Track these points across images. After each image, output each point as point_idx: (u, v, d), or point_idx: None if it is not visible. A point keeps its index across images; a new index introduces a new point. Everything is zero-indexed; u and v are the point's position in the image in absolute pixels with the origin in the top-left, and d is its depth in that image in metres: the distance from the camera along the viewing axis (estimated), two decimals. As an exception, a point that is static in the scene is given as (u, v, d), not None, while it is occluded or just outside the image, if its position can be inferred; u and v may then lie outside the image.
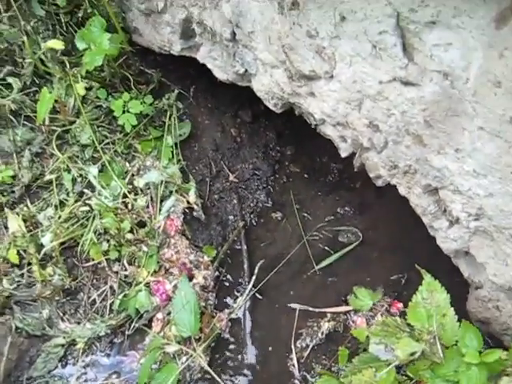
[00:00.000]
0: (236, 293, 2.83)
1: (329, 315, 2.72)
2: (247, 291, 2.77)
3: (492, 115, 1.69)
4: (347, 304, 2.75)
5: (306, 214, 3.11)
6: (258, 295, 2.81)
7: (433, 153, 1.96)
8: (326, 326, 2.67)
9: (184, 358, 2.54)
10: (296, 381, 2.55)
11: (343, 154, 2.41)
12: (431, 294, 1.84)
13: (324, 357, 2.61)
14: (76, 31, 2.87)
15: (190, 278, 2.69)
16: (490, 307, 2.24)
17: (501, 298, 2.17)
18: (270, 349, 2.68)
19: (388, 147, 2.12)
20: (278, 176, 3.26)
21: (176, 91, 3.18)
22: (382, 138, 2.10)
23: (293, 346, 2.64)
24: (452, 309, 1.84)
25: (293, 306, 2.78)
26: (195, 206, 2.89)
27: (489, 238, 2.03)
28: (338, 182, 3.24)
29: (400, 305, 2.70)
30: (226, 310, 2.74)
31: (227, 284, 2.87)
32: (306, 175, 3.27)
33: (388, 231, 3.00)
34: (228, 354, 2.66)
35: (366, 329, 2.26)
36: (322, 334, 2.66)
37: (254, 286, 2.80)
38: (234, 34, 2.42)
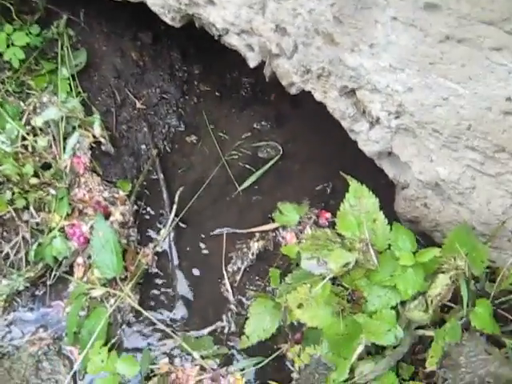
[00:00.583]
0: (159, 225, 2.70)
1: (257, 235, 2.64)
2: (169, 222, 2.64)
3: (404, 3, 1.57)
4: (275, 221, 2.67)
5: (221, 134, 2.96)
6: (181, 224, 2.69)
7: (346, 51, 1.83)
8: (255, 246, 2.59)
9: (112, 301, 2.42)
10: (231, 305, 2.48)
11: (252, 64, 2.25)
12: (359, 200, 1.75)
13: (257, 278, 2.54)
14: None
15: (107, 216, 2.53)
16: (418, 206, 2.20)
17: (428, 195, 2.12)
18: (201, 277, 2.58)
19: (298, 51, 1.98)
20: (187, 97, 3.08)
21: (65, 17, 2.90)
22: (290, 42, 1.95)
23: (224, 271, 2.55)
24: (382, 213, 1.76)
25: (219, 230, 2.67)
26: (102, 140, 2.68)
27: (411, 135, 1.95)
28: (251, 96, 3.08)
29: (328, 214, 2.64)
30: (151, 244, 2.61)
31: (148, 217, 2.72)
32: (217, 93, 3.10)
33: (308, 141, 2.90)
34: (158, 289, 2.56)
35: (295, 245, 2.17)
36: (253, 254, 2.57)
37: (176, 215, 2.66)
38: None
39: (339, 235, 1.77)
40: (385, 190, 2.42)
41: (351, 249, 1.67)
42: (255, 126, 2.97)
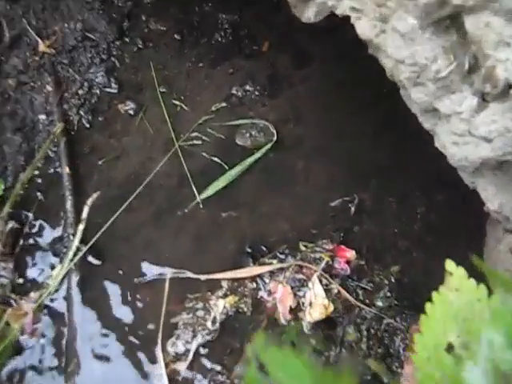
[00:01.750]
0: (54, 258, 1.54)
1: (225, 284, 1.50)
2: (71, 253, 1.49)
3: None
4: (256, 260, 1.52)
5: (177, 102, 1.79)
6: (92, 258, 1.53)
7: None
8: (220, 305, 1.46)
9: None
10: (168, 421, 1.35)
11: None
12: None
13: (220, 366, 1.40)
14: None
15: None
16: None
17: None
18: (121, 358, 1.43)
19: None
20: (128, 40, 1.90)
21: None
22: None
23: (159, 353, 1.41)
24: None
25: (158, 272, 1.52)
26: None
27: None
28: (230, 43, 1.90)
29: (351, 254, 1.52)
30: (33, 295, 1.46)
31: (37, 242, 1.56)
32: (176, 36, 1.92)
33: (320, 122, 1.76)
34: (40, 376, 1.41)
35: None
36: (214, 322, 1.44)
37: (83, 241, 1.51)
38: None
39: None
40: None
41: None
42: (234, 91, 1.81)
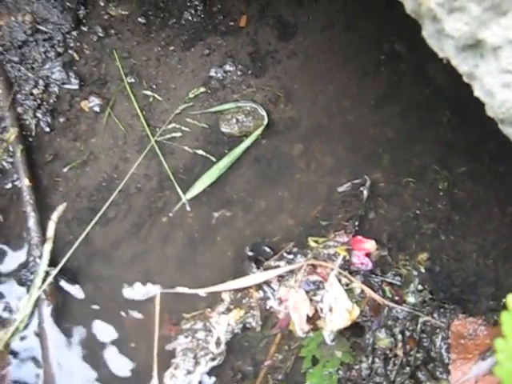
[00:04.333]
0: (19, 287, 1.30)
1: (226, 297, 1.27)
2: (39, 279, 1.25)
3: None
4: (260, 264, 1.30)
5: (149, 93, 1.55)
6: (65, 283, 1.29)
7: None
8: (223, 323, 1.23)
9: None
10: None
11: None
12: None
13: (230, 397, 1.17)
14: None
15: None
16: None
17: None
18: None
19: None
20: (86, 29, 1.65)
21: None
22: None
23: (157, 388, 1.18)
24: None
25: (147, 290, 1.29)
26: None
27: None
28: (203, 21, 1.66)
29: (369, 244, 1.30)
30: (-2, 333, 1.22)
31: (-3, 270, 1.32)
32: (140, 19, 1.67)
33: (314, 99, 1.54)
34: None
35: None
36: (219, 343, 1.21)
37: (53, 264, 1.27)
38: None
39: None
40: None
41: None
42: (213, 73, 1.58)
